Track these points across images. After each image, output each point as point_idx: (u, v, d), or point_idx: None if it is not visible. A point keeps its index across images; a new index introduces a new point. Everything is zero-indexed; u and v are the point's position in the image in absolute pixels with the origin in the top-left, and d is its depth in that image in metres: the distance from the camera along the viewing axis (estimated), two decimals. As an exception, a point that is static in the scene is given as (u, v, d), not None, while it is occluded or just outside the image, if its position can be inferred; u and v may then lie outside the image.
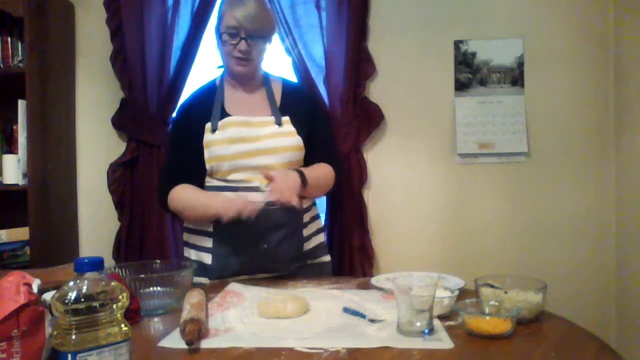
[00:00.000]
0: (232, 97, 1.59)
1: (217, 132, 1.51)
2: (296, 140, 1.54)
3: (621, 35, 2.23)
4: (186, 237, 1.61)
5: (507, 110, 2.30)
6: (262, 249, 1.45)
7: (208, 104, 1.56)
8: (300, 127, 1.56)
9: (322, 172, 1.59)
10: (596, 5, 2.29)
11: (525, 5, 2.31)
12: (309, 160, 1.59)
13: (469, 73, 2.32)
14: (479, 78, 2.31)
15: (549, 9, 2.30)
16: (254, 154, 1.49)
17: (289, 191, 1.39)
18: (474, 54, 2.31)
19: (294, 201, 1.38)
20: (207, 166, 1.52)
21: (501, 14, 2.32)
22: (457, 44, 2.32)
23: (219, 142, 1.50)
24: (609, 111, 2.30)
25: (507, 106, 2.30)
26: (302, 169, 1.51)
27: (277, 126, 1.54)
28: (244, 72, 1.54)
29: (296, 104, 1.61)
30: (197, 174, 1.54)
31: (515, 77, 2.31)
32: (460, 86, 2.32)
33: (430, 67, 2.33)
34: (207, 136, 1.51)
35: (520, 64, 2.30)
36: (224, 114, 1.53)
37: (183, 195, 1.51)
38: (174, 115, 1.65)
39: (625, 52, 2.22)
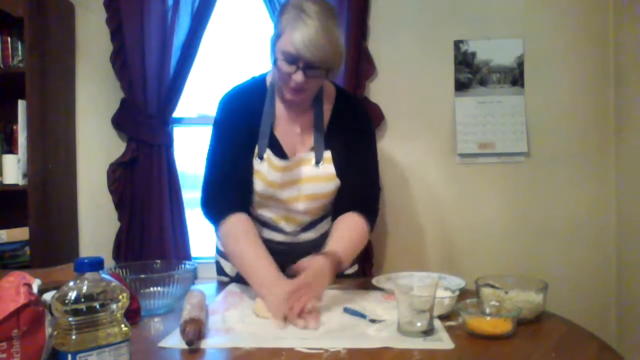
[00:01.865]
0: (282, 113, 1.42)
1: (262, 162, 1.36)
2: (334, 184, 1.39)
3: (621, 35, 2.23)
4: (218, 243, 1.57)
5: (507, 110, 2.30)
6: (287, 274, 1.43)
7: (256, 112, 1.39)
8: (342, 158, 1.40)
9: (356, 240, 1.36)
10: (596, 5, 2.29)
11: (525, 5, 2.31)
12: (343, 192, 1.41)
13: (469, 73, 2.32)
14: (479, 78, 2.31)
15: (549, 9, 2.30)
16: (287, 201, 1.39)
17: (315, 293, 1.16)
18: (474, 54, 2.31)
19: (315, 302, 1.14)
20: None
21: (501, 14, 2.32)
22: (457, 44, 2.32)
23: (261, 178, 1.37)
24: (608, 111, 2.30)
25: (507, 106, 2.30)
26: (338, 251, 1.26)
27: (315, 166, 1.38)
28: (296, 102, 1.36)
29: (345, 125, 1.43)
30: (245, 185, 1.37)
31: (515, 77, 2.31)
32: (460, 86, 2.32)
33: (430, 67, 2.33)
34: (255, 160, 1.37)
35: (520, 64, 2.30)
36: (271, 136, 1.38)
37: (235, 247, 1.32)
38: (217, 109, 1.44)
39: (625, 52, 2.21)
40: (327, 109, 1.43)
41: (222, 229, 1.33)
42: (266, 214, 1.43)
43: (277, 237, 1.45)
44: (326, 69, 1.27)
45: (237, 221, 1.32)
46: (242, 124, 1.38)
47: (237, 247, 1.30)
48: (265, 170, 1.35)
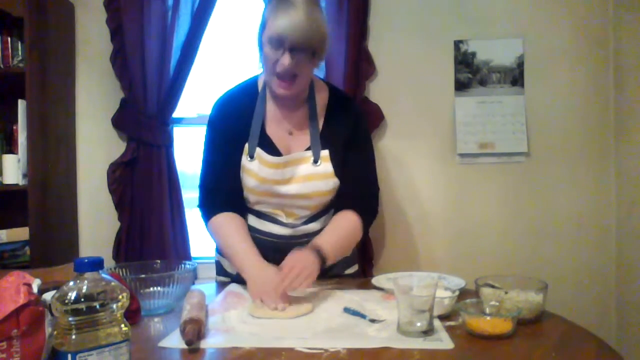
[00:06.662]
0: (273, 113, 1.44)
1: (253, 160, 1.38)
2: (332, 183, 1.40)
3: (621, 35, 2.23)
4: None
5: (507, 110, 2.30)
6: None
7: (248, 114, 1.42)
8: (339, 157, 1.41)
9: (344, 234, 1.39)
10: (596, 5, 2.29)
11: (525, 5, 2.31)
12: (342, 192, 1.43)
13: (469, 73, 2.32)
14: (479, 78, 2.31)
15: (549, 9, 2.30)
16: (284, 196, 1.40)
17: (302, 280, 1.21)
18: (474, 54, 2.31)
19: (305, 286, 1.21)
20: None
21: (501, 14, 2.32)
22: (457, 44, 2.32)
23: (252, 175, 1.39)
24: (609, 111, 2.30)
25: (507, 106, 2.30)
26: (323, 245, 1.29)
27: (313, 165, 1.39)
28: (287, 95, 1.34)
29: (340, 124, 1.44)
30: (237, 187, 1.42)
31: (515, 77, 2.31)
32: (460, 86, 2.32)
33: (430, 67, 2.33)
34: (244, 159, 1.40)
35: (520, 64, 2.30)
36: (263, 135, 1.41)
37: (222, 237, 1.39)
38: (210, 113, 1.49)
39: (625, 52, 2.21)
40: (321, 108, 1.45)
41: (210, 226, 1.42)
42: (264, 208, 1.44)
43: (278, 229, 1.44)
44: (312, 52, 1.28)
45: (224, 218, 1.40)
46: (234, 126, 1.42)
47: (222, 237, 1.39)
48: (257, 168, 1.38)
